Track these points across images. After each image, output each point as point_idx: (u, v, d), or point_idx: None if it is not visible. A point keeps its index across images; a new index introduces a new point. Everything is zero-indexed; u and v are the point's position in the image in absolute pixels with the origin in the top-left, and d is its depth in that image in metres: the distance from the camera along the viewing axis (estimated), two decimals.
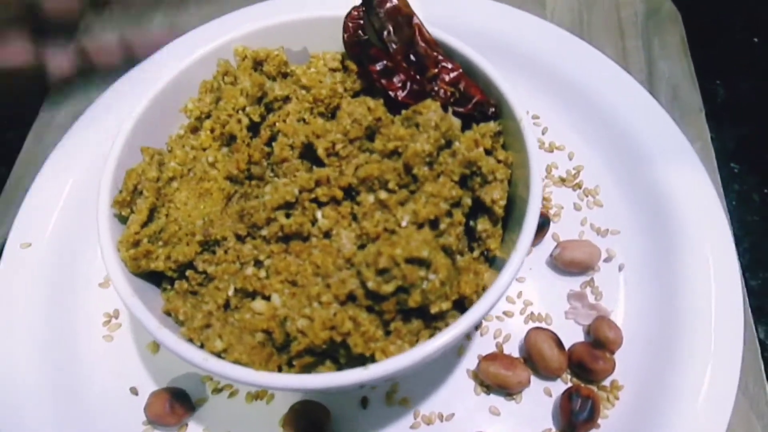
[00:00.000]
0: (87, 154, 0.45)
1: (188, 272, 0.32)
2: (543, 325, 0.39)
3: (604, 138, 0.45)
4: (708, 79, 0.62)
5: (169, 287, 0.33)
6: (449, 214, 0.32)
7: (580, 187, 0.44)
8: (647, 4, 0.65)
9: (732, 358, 0.36)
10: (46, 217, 0.43)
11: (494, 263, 0.34)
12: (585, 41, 0.49)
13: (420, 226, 0.31)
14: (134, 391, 0.39)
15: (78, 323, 0.41)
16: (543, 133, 0.47)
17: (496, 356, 0.38)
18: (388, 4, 0.37)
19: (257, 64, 0.37)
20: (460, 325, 0.29)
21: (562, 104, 0.47)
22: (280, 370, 0.30)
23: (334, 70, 0.38)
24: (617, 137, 0.45)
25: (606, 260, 0.42)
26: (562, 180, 0.45)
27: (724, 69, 0.65)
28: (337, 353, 0.30)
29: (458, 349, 0.39)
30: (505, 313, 0.40)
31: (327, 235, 0.32)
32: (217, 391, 0.39)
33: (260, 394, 0.38)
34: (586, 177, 0.45)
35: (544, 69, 0.48)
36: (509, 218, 0.34)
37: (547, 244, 0.42)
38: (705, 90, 0.60)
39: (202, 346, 0.30)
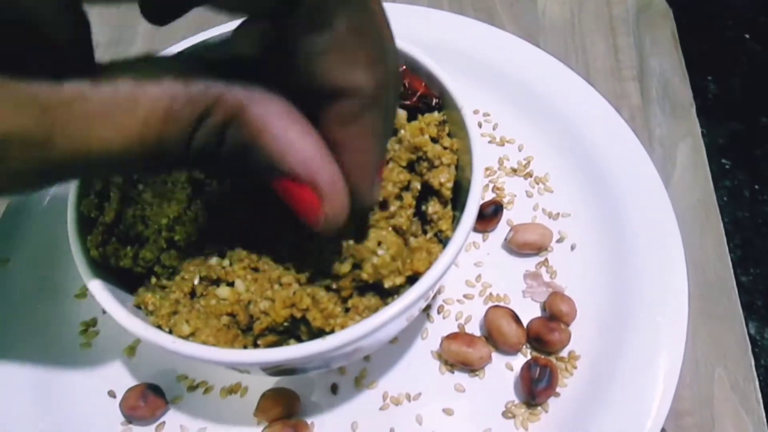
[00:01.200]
0: None
1: (156, 267, 0.34)
2: (501, 303, 0.41)
3: (551, 129, 0.47)
4: (699, 75, 0.63)
5: (138, 284, 0.35)
6: (399, 197, 0.34)
7: (531, 176, 0.47)
8: (638, 1, 0.66)
9: (678, 321, 0.38)
10: (23, 234, 0.44)
11: (447, 244, 0.36)
12: (528, 42, 0.52)
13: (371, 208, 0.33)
14: (112, 393, 0.40)
15: (57, 333, 0.42)
16: (494, 129, 0.49)
17: (458, 335, 0.40)
18: None
19: None
20: (411, 294, 0.30)
21: (511, 101, 0.49)
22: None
23: None
24: (563, 128, 0.47)
25: (558, 241, 0.44)
26: (514, 170, 0.47)
27: (716, 65, 0.65)
28: (298, 330, 0.32)
29: (422, 333, 0.41)
30: (465, 296, 0.42)
31: None
32: (192, 388, 0.40)
33: (234, 388, 0.40)
34: (536, 166, 0.47)
35: (491, 70, 0.50)
36: (458, 201, 0.36)
37: (502, 230, 0.44)
38: (696, 86, 0.61)
39: (170, 332, 0.31)
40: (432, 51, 0.40)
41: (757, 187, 0.57)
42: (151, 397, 0.38)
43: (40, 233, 0.44)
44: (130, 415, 0.38)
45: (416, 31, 0.51)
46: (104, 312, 0.42)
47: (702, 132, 0.57)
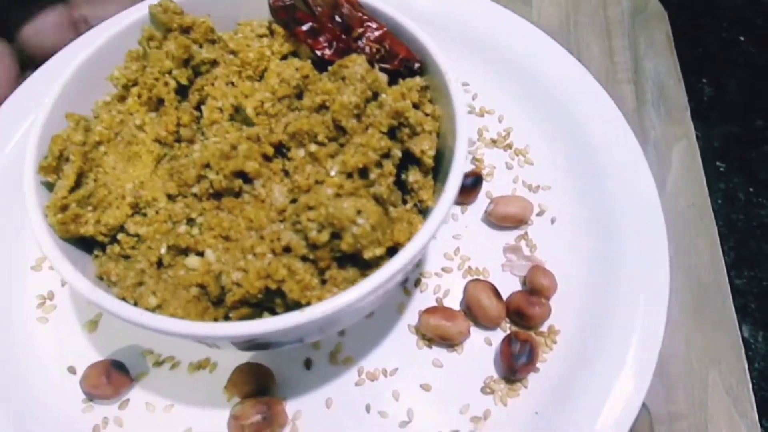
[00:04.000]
0: (12, 141, 0.44)
1: (120, 236, 0.32)
2: (481, 277, 0.40)
3: (532, 100, 0.46)
4: (694, 77, 0.63)
5: (100, 253, 0.33)
6: (379, 165, 0.33)
7: (510, 148, 0.46)
8: (633, 3, 0.66)
9: (659, 296, 0.38)
10: None
11: (428, 214, 0.34)
12: (508, 9, 0.50)
13: (349, 175, 0.32)
14: (72, 370, 0.38)
15: (12, 306, 0.40)
16: (473, 99, 0.48)
17: (437, 309, 0.39)
18: None
19: (183, 32, 0.37)
20: (391, 266, 0.29)
21: (491, 71, 0.48)
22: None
23: (261, 36, 0.38)
24: (544, 99, 0.46)
25: (538, 214, 0.43)
26: (494, 141, 0.46)
27: (711, 67, 0.65)
28: (273, 303, 0.30)
29: (398, 306, 0.40)
30: (443, 269, 0.41)
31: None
32: (158, 364, 0.38)
33: (203, 364, 0.38)
34: (516, 138, 0.46)
35: (472, 38, 0.49)
36: (440, 171, 0.35)
37: (482, 203, 0.43)
38: (691, 88, 0.61)
39: (135, 304, 0.29)
40: (411, 17, 0.39)
41: (751, 189, 0.57)
42: (114, 374, 0.36)
43: None
44: (91, 393, 0.36)
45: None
46: (63, 284, 0.41)
47: (697, 135, 0.56)
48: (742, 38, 0.69)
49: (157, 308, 0.29)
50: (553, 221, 0.43)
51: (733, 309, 0.48)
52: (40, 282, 0.41)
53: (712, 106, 0.63)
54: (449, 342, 0.38)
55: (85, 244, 0.33)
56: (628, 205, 0.41)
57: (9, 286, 0.40)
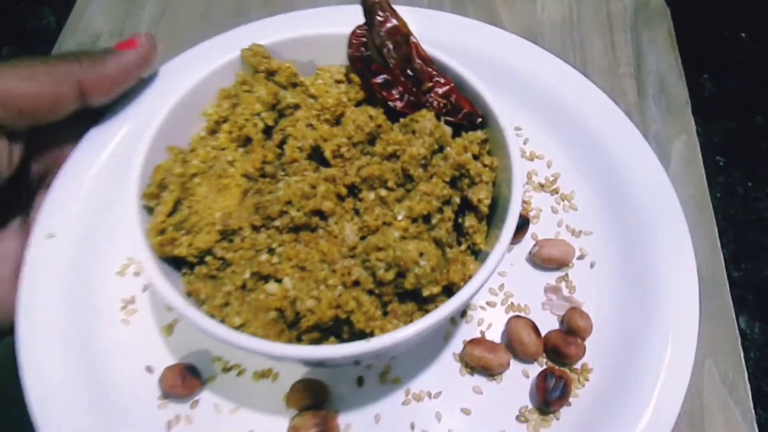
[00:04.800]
0: (105, 155, 0.49)
1: (207, 258, 0.36)
2: (522, 314, 0.44)
3: (579, 148, 0.49)
4: (696, 73, 0.64)
5: (189, 271, 0.37)
6: (440, 210, 0.37)
7: (557, 192, 0.49)
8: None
9: (688, 342, 0.40)
10: (68, 211, 0.46)
11: (479, 256, 0.38)
12: (562, 60, 0.53)
13: (414, 220, 0.35)
14: (149, 369, 0.42)
15: (97, 308, 0.44)
16: (524, 143, 0.51)
17: (480, 341, 0.42)
18: (389, 24, 0.41)
19: (269, 75, 0.42)
20: (448, 306, 0.33)
21: (543, 117, 0.51)
22: None
23: (338, 81, 0.42)
24: (590, 149, 0.49)
25: (579, 258, 0.46)
26: (541, 186, 0.49)
27: (712, 64, 0.66)
28: (340, 330, 0.34)
29: (445, 335, 0.43)
30: (488, 303, 0.45)
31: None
32: (226, 370, 0.42)
33: (265, 373, 0.42)
34: (563, 183, 0.49)
35: (526, 85, 0.52)
36: (493, 216, 0.39)
37: (527, 243, 0.47)
38: (692, 84, 0.61)
39: (222, 321, 0.34)
40: (464, 59, 0.42)
41: (750, 184, 0.58)
42: (188, 377, 0.40)
43: (83, 212, 0.46)
44: (168, 392, 0.40)
45: (453, 41, 0.53)
46: (144, 290, 0.45)
47: (697, 130, 0.57)
48: (743, 35, 0.69)
49: (240, 327, 0.33)
50: (592, 265, 0.46)
51: (731, 300, 0.49)
52: (124, 287, 0.45)
53: (712, 102, 0.64)
54: (490, 372, 0.41)
55: (175, 263, 0.38)
56: (664, 257, 0.43)
57: (96, 289, 0.45)
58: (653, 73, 0.61)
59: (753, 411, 0.46)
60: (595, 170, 0.49)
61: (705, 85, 0.65)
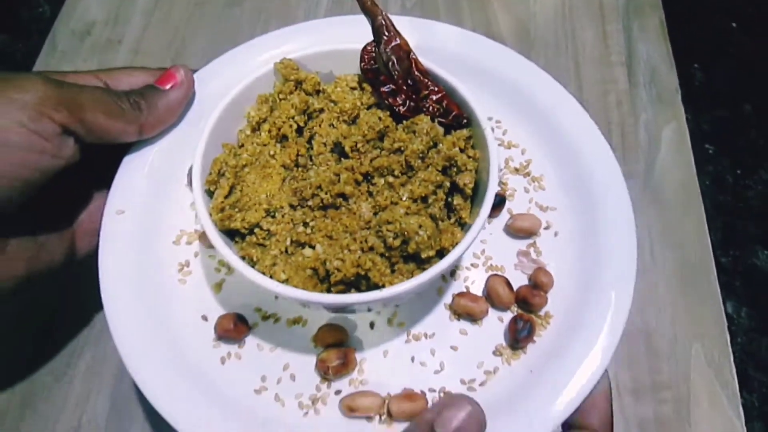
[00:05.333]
0: (158, 147, 0.58)
1: (256, 230, 0.47)
2: (498, 273, 0.55)
3: (547, 139, 0.59)
4: (686, 62, 0.64)
5: (240, 240, 0.48)
6: (434, 192, 0.47)
7: (529, 175, 0.59)
8: None
9: (626, 294, 0.48)
10: (132, 192, 0.55)
11: (465, 227, 0.49)
12: (536, 64, 0.63)
13: (414, 200, 0.46)
14: (204, 318, 0.52)
15: (159, 271, 0.53)
16: (503, 134, 0.61)
17: (465, 294, 0.53)
18: (393, 43, 0.51)
19: (298, 83, 0.52)
20: (440, 265, 0.43)
21: (518, 112, 0.60)
22: None
23: (353, 89, 0.52)
24: (557, 139, 0.59)
25: (545, 228, 0.56)
26: (516, 170, 0.60)
27: (702, 54, 0.66)
28: (360, 284, 0.45)
29: (438, 289, 0.54)
30: (472, 264, 0.55)
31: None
32: (266, 318, 0.53)
33: (297, 320, 0.53)
34: (534, 168, 0.59)
35: (505, 86, 0.61)
36: (476, 196, 0.49)
37: (504, 217, 0.57)
38: (683, 73, 0.63)
39: (271, 277, 0.44)
40: (454, 65, 0.52)
41: (739, 172, 0.59)
42: (238, 323, 0.51)
43: (144, 193, 0.56)
44: (223, 335, 0.51)
45: (445, 49, 0.63)
46: (195, 256, 0.56)
47: (687, 118, 0.59)
48: (734, 25, 0.70)
49: (285, 281, 0.44)
50: (556, 234, 0.56)
51: (718, 286, 0.51)
52: (179, 253, 0.54)
53: (702, 91, 0.65)
54: (473, 318, 0.52)
55: (229, 234, 0.48)
56: (611, 226, 0.54)
57: (157, 255, 0.54)
58: (644, 62, 0.64)
59: (738, 394, 0.48)
60: (559, 157, 0.58)
61: (695, 74, 0.65)
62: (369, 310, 0.50)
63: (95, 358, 0.60)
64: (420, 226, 0.44)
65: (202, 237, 0.55)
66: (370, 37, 0.52)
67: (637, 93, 0.63)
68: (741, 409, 0.48)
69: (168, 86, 0.54)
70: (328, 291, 0.45)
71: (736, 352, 0.50)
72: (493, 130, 0.60)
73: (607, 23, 0.68)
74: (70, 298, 0.63)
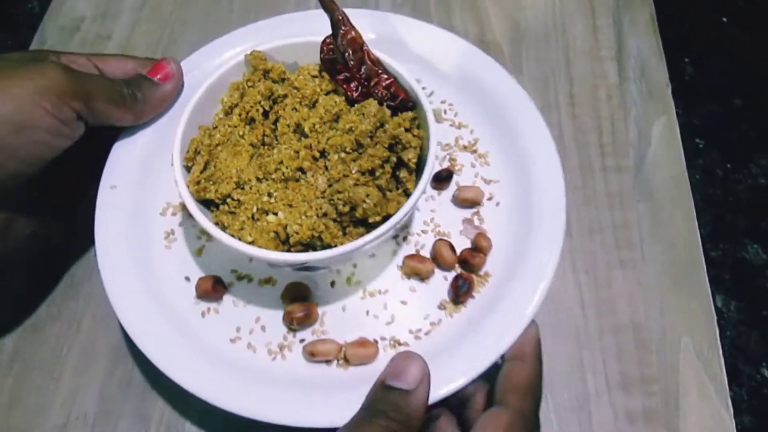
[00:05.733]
0: (149, 129, 0.64)
1: (228, 200, 0.54)
2: (444, 238, 0.62)
3: (493, 119, 0.65)
4: (677, 57, 0.63)
5: (215, 209, 0.55)
6: (382, 166, 0.54)
7: (476, 152, 0.66)
8: None
9: (554, 256, 0.55)
10: (124, 169, 0.63)
11: (410, 197, 0.56)
12: (484, 51, 0.70)
13: (363, 173, 0.54)
14: (187, 278, 0.59)
15: (147, 238, 0.60)
16: (455, 116, 0.67)
17: (415, 256, 0.60)
18: (349, 36, 0.57)
19: (266, 72, 0.59)
20: (384, 227, 0.50)
21: (469, 96, 0.67)
22: None
23: (314, 77, 0.59)
24: (501, 121, 0.65)
25: (488, 199, 0.62)
26: (465, 147, 0.66)
27: (693, 48, 0.65)
28: (315, 245, 0.52)
29: (392, 253, 0.61)
30: (422, 231, 0.61)
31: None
32: (240, 278, 0.60)
33: (268, 280, 0.59)
34: (480, 146, 0.65)
35: (457, 72, 0.69)
36: (419, 170, 0.57)
37: (452, 189, 0.64)
38: (673, 68, 0.62)
39: (239, 239, 0.52)
40: (407, 56, 0.59)
41: (729, 166, 0.58)
42: (217, 285, 0.58)
43: (134, 170, 0.63)
44: (203, 296, 0.58)
45: (400, 41, 0.69)
46: (180, 226, 0.64)
47: (677, 112, 0.58)
48: (724, 19, 0.69)
49: (251, 243, 0.52)
50: (497, 204, 0.62)
51: (707, 279, 0.51)
52: (165, 223, 0.61)
53: (693, 85, 0.64)
54: (420, 277, 0.59)
55: (205, 204, 0.56)
56: (543, 197, 0.60)
57: (146, 224, 0.61)
58: (634, 57, 0.63)
59: (727, 387, 0.48)
60: (503, 136, 0.64)
61: (686, 68, 0.64)
62: (325, 267, 0.58)
63: (83, 354, 0.61)
64: (367, 195, 0.51)
65: (185, 208, 0.63)
66: (330, 31, 0.59)
67: (627, 87, 0.64)
68: (730, 401, 0.48)
69: (159, 77, 0.61)
70: (289, 251, 0.52)
71: (725, 346, 0.50)
72: (445, 112, 0.68)
73: (597, 17, 0.67)
74: (57, 295, 0.64)
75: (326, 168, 0.54)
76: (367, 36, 0.58)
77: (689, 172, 0.55)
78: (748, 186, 0.58)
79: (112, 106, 0.56)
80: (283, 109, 0.56)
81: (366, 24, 0.66)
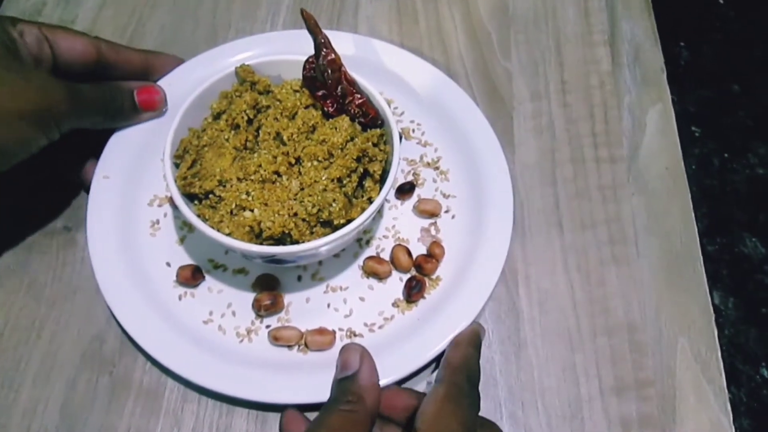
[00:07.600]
0: (142, 128, 0.71)
1: (210, 196, 0.61)
2: (403, 243, 0.69)
3: (455, 140, 0.73)
4: (672, 41, 0.61)
5: (198, 203, 0.62)
6: (349, 176, 0.60)
7: (438, 169, 0.72)
8: None
9: (494, 272, 0.65)
10: (117, 161, 0.69)
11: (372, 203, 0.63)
12: (451, 78, 0.77)
13: (332, 180, 0.60)
14: (168, 264, 0.65)
15: (134, 226, 0.66)
16: (422, 135, 0.74)
17: (375, 258, 0.66)
18: (329, 57, 0.64)
19: (253, 84, 0.66)
20: (347, 228, 0.57)
21: (435, 118, 0.74)
22: None
23: (296, 91, 0.66)
24: (463, 141, 0.73)
25: (446, 212, 0.69)
26: (428, 164, 0.73)
27: (688, 31, 0.63)
28: (285, 241, 0.59)
29: (355, 254, 0.68)
30: (384, 236, 0.68)
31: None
32: (216, 267, 0.66)
33: (241, 270, 0.66)
34: (443, 163, 0.71)
35: (425, 95, 0.75)
36: (383, 181, 0.64)
37: (413, 200, 0.72)
38: (668, 52, 0.59)
39: (218, 231, 0.59)
40: (381, 76, 0.67)
41: (726, 155, 0.55)
42: (196, 273, 0.65)
43: (126, 163, 0.70)
44: (183, 282, 0.65)
45: (375, 63, 0.77)
46: (164, 216, 0.70)
47: (672, 99, 0.55)
48: (721, 2, 0.67)
49: (229, 234, 0.58)
50: (453, 217, 0.69)
51: (705, 275, 0.47)
52: (151, 213, 0.67)
53: (688, 71, 0.62)
54: (378, 276, 0.66)
55: (189, 198, 0.62)
56: (494, 216, 0.68)
57: (135, 214, 0.67)
58: (628, 41, 0.59)
59: (726, 390, 0.46)
60: (463, 155, 0.72)
61: (681, 52, 0.62)
62: (293, 262, 0.65)
63: (44, 364, 0.57)
64: (334, 200, 0.58)
65: (171, 201, 0.69)
66: (313, 51, 0.66)
67: (621, 73, 0.60)
68: (728, 405, 0.45)
69: (142, 99, 0.69)
70: (261, 244, 0.59)
71: (723, 345, 0.47)
72: (413, 130, 0.75)
73: (589, 0, 0.63)
74: (16, 303, 0.61)
75: (300, 173, 0.60)
76: (346, 56, 0.65)
77: (685, 162, 0.52)
78: (746, 176, 0.55)
79: (102, 117, 0.65)
80: (266, 119, 0.63)
81: (350, 46, 0.74)
